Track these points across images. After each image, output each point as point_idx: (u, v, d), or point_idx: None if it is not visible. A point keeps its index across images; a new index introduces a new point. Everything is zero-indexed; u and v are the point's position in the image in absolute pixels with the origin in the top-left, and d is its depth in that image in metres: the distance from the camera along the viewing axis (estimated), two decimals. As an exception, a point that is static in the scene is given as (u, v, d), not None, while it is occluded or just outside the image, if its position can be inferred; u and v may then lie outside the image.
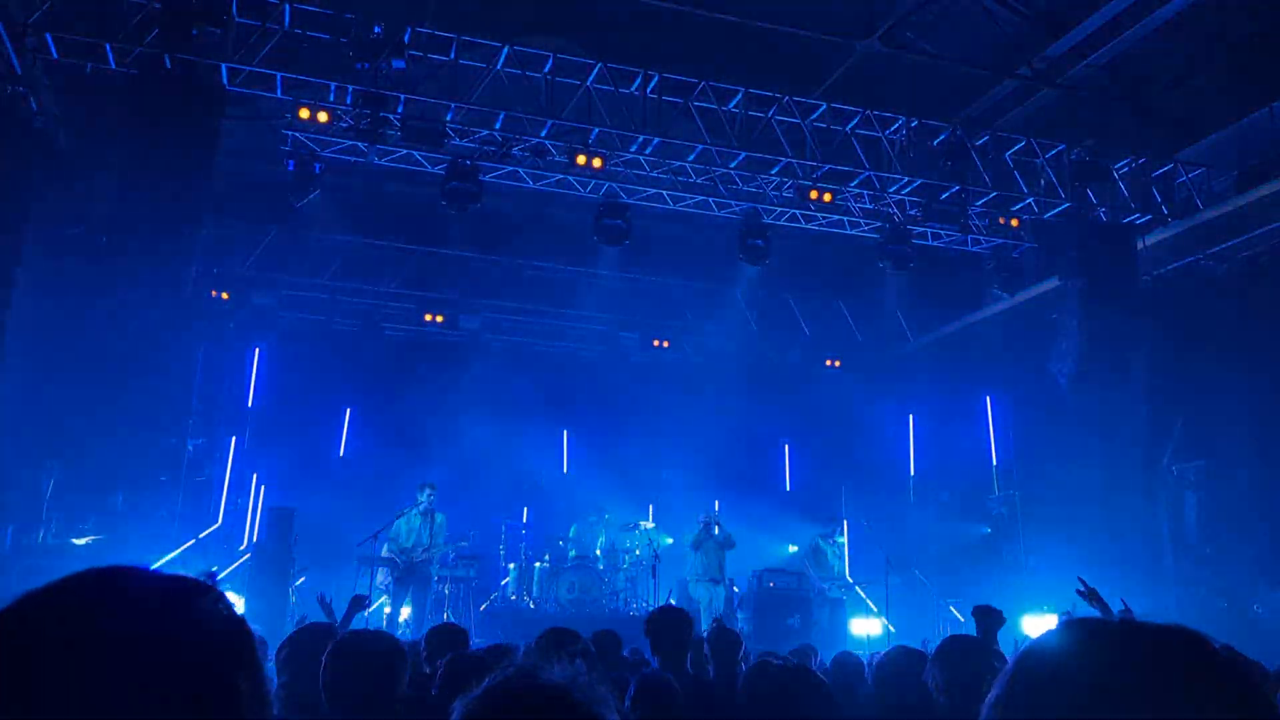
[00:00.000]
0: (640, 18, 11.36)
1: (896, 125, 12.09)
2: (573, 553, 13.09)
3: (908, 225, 12.75)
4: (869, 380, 16.84)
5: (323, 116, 10.54)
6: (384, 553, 11.32)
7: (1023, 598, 12.74)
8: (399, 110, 10.73)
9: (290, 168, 11.21)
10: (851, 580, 13.33)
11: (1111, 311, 12.01)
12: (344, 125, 10.80)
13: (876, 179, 12.30)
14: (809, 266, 15.48)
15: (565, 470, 15.17)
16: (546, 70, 10.78)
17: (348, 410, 15.47)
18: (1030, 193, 12.61)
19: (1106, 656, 0.90)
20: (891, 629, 11.93)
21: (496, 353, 16.02)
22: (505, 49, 10.57)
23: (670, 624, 4.62)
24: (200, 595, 0.94)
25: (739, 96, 11.45)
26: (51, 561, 8.86)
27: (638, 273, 15.73)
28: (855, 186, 12.35)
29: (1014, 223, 12.96)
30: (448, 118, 10.89)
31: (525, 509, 13.75)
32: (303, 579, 11.82)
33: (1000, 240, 13.26)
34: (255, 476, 13.93)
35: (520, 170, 11.91)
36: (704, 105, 11.43)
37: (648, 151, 11.66)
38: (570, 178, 12.11)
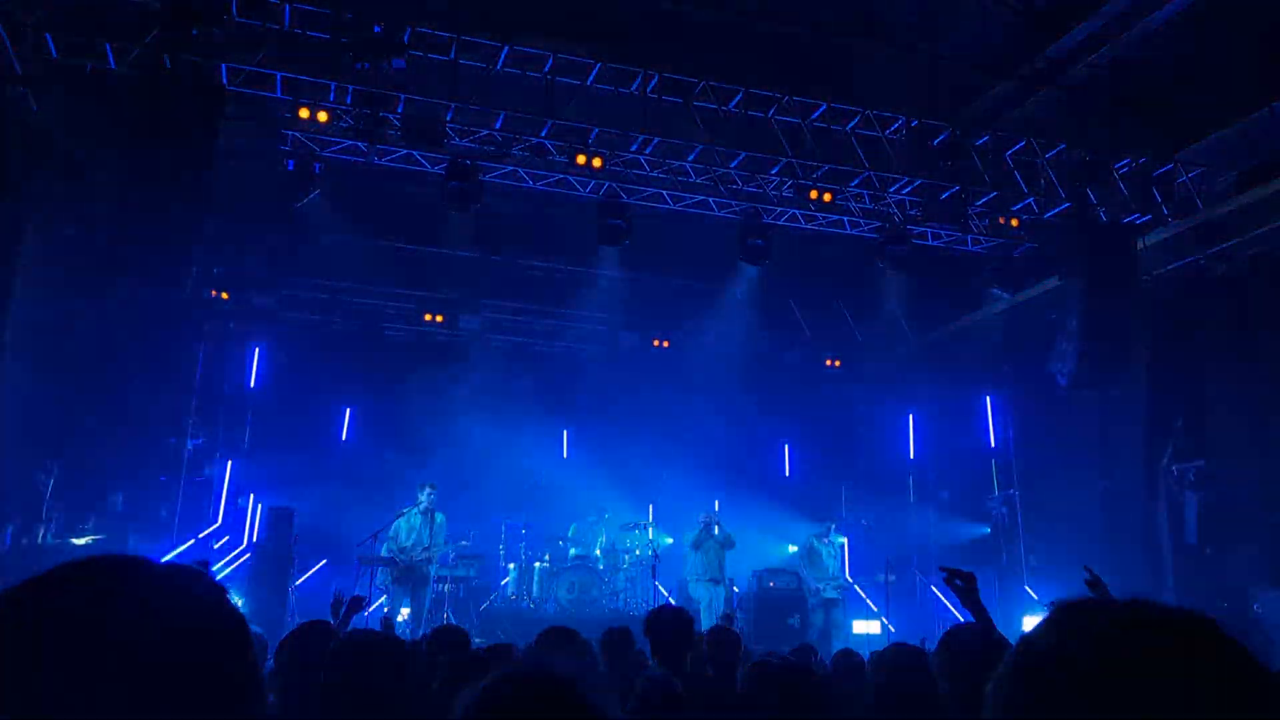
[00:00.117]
0: (640, 18, 11.36)
1: (896, 125, 12.09)
2: (573, 552, 13.09)
3: (908, 225, 12.75)
4: (869, 380, 16.85)
5: (323, 116, 10.54)
6: (383, 552, 11.32)
7: (1023, 597, 12.74)
8: (399, 110, 10.73)
9: (290, 168, 11.21)
10: (850, 580, 13.33)
11: (1111, 311, 12.00)
12: (344, 125, 10.80)
13: (876, 179, 12.29)
14: (809, 266, 15.48)
15: (565, 470, 15.16)
16: (546, 70, 10.78)
17: (348, 410, 15.46)
18: (1030, 193, 12.60)
19: (1109, 636, 0.90)
20: (891, 629, 11.92)
21: (496, 353, 16.02)
22: (505, 49, 10.57)
23: (670, 624, 4.62)
24: (193, 582, 0.95)
25: (739, 96, 11.45)
26: (51, 561, 8.84)
27: (638, 273, 15.72)
28: (855, 186, 12.34)
29: (1014, 223, 12.96)
30: (448, 118, 10.89)
31: (525, 509, 13.74)
32: (302, 579, 11.83)
33: (1000, 240, 13.25)
34: (255, 477, 13.92)
35: (520, 170, 11.91)
36: (704, 105, 11.43)
37: (648, 151, 11.66)
38: (570, 178, 12.11)
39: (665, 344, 17.04)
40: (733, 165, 12.00)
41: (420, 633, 10.03)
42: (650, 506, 14.96)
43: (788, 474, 17.09)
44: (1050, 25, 11.78)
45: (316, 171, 11.26)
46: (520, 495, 14.14)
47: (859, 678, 5.07)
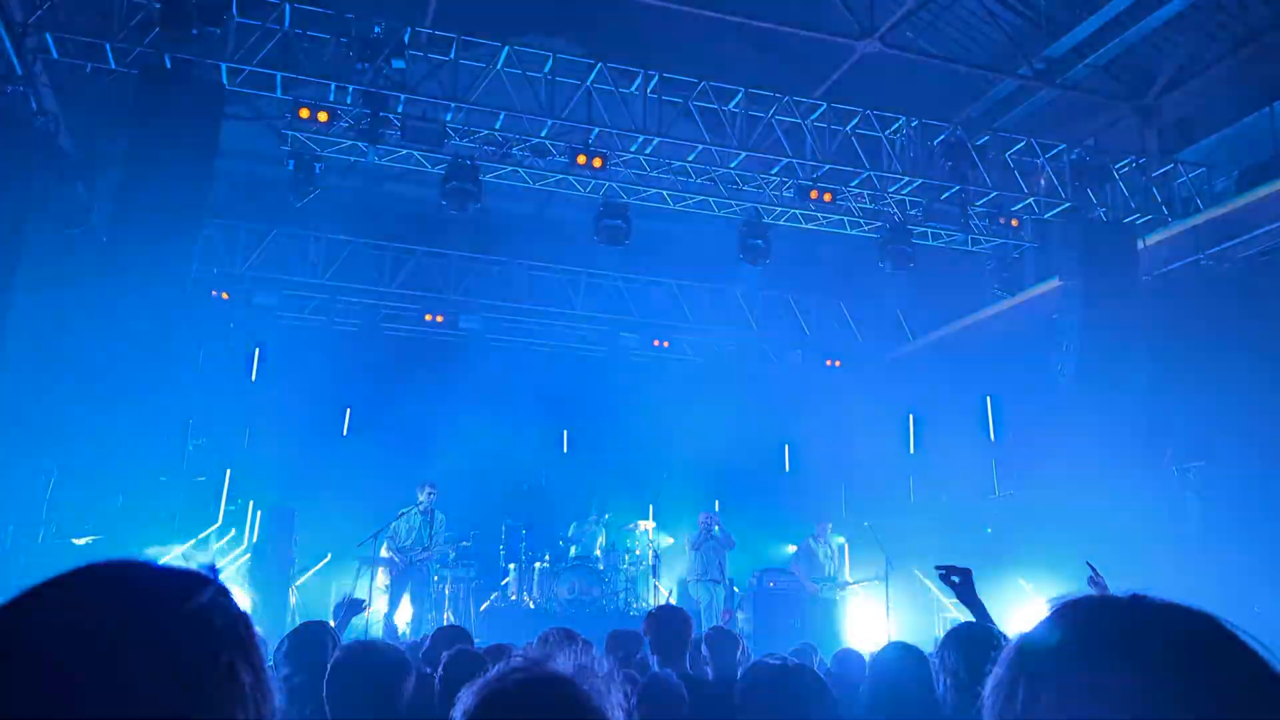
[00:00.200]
0: (640, 18, 11.37)
1: (896, 125, 12.09)
2: (573, 553, 13.09)
3: (908, 225, 12.74)
4: (869, 380, 16.84)
5: (323, 116, 10.54)
6: (383, 552, 11.32)
7: (1023, 597, 12.74)
8: (399, 110, 10.73)
9: (290, 168, 11.21)
10: (850, 580, 13.31)
11: (1111, 311, 12.00)
12: (344, 125, 10.80)
13: (876, 179, 12.30)
14: (809, 266, 15.49)
15: (565, 470, 15.16)
16: (546, 70, 10.78)
17: (348, 410, 15.46)
18: (1030, 193, 12.61)
19: (1108, 631, 0.90)
20: (891, 629, 11.91)
21: (496, 353, 16.01)
22: (505, 49, 10.57)
23: (671, 623, 4.61)
24: (202, 588, 0.94)
25: (739, 96, 11.45)
26: (51, 561, 8.82)
27: (638, 273, 15.73)
28: (855, 186, 12.35)
29: (1014, 223, 12.96)
30: (448, 118, 10.89)
31: (525, 509, 13.73)
32: (303, 579, 11.83)
33: (1000, 240, 13.25)
34: (255, 477, 13.91)
35: (520, 170, 11.91)
36: (704, 105, 11.43)
37: (648, 151, 11.66)
38: (570, 178, 12.11)
39: (665, 344, 17.03)
40: (733, 165, 12.00)
41: (421, 632, 10.03)
42: (650, 506, 14.94)
43: (787, 474, 17.07)
44: (1050, 25, 11.78)
45: (316, 171, 11.26)
46: (520, 495, 14.14)
47: (859, 678, 5.06)
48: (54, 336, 9.51)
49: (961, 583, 4.04)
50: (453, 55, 10.51)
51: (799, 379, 17.17)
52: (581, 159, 11.24)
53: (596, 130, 11.25)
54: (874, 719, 3.61)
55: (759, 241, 12.62)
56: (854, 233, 13.37)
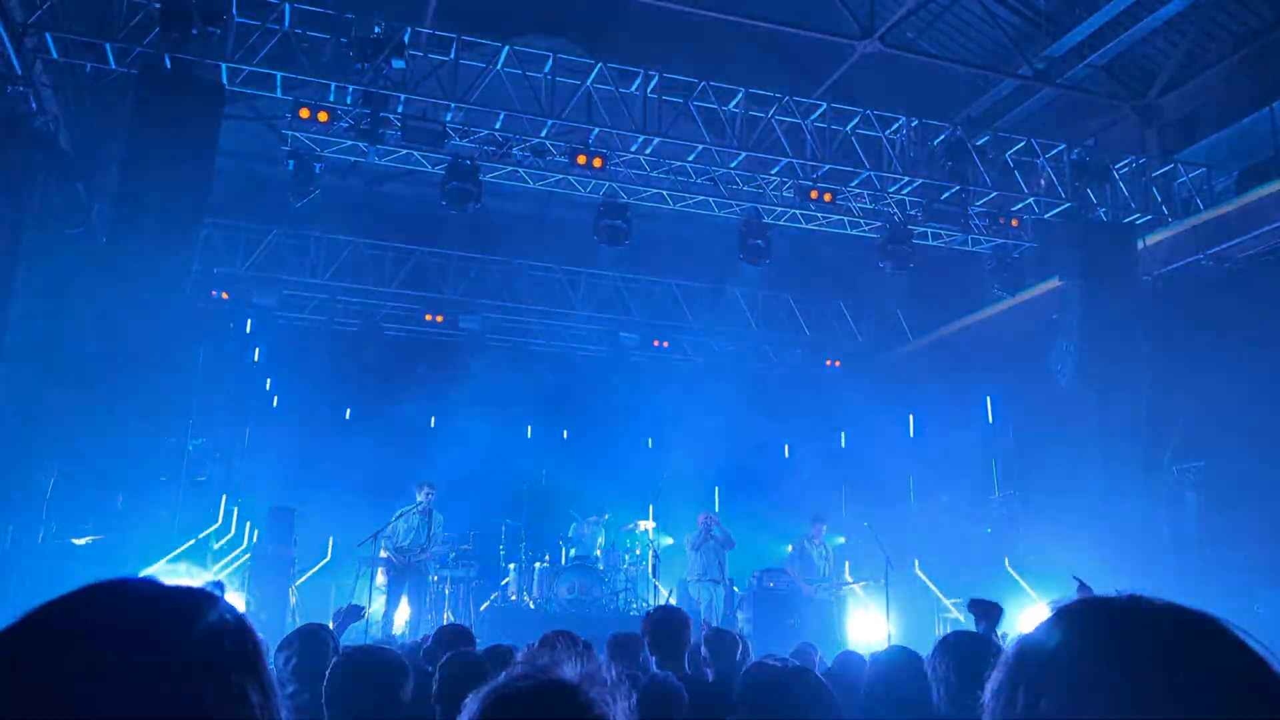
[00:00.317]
0: (640, 18, 11.37)
1: (896, 125, 12.09)
2: (573, 553, 13.09)
3: (908, 225, 12.74)
4: (869, 380, 16.84)
5: (323, 116, 10.53)
6: (382, 552, 11.32)
7: (1023, 597, 12.74)
8: (399, 110, 10.73)
9: (290, 168, 11.21)
10: (850, 581, 13.30)
11: (1111, 311, 12.00)
12: (344, 125, 10.79)
13: (877, 179, 12.30)
14: (809, 266, 15.49)
15: (565, 471, 15.16)
16: (546, 70, 10.78)
17: (348, 410, 15.46)
18: (1030, 193, 12.61)
19: (1109, 634, 0.90)
20: (891, 629, 11.91)
21: (496, 353, 16.01)
22: (505, 49, 10.57)
23: (669, 624, 4.61)
24: (210, 608, 0.94)
25: (739, 96, 11.44)
26: (51, 561, 8.86)
27: (638, 273, 15.73)
28: (855, 186, 12.34)
29: (1014, 223, 12.96)
30: (448, 118, 10.89)
31: (525, 509, 13.73)
32: (303, 579, 11.83)
33: (1000, 240, 13.25)
34: (255, 476, 13.92)
35: (520, 170, 11.91)
36: (704, 105, 11.43)
37: (648, 151, 11.66)
38: (570, 178, 12.11)
39: (665, 344, 17.03)
40: (733, 165, 12.00)
41: (420, 632, 10.03)
42: (650, 506, 14.94)
43: (787, 474, 17.07)
44: (1050, 25, 11.78)
45: (316, 171, 11.26)
46: (520, 495, 14.14)
47: (859, 679, 5.06)
48: (54, 336, 9.50)
49: (988, 619, 4.20)
50: (453, 55, 10.51)
51: (799, 379, 17.17)
52: (581, 159, 11.24)
53: (596, 130, 11.25)
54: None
55: (759, 241, 12.62)
56: (854, 233, 13.37)
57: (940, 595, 13.56)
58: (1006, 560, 13.87)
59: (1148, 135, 13.22)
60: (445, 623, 11.04)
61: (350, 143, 11.10)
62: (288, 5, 9.85)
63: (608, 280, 15.70)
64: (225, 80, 9.97)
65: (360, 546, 11.18)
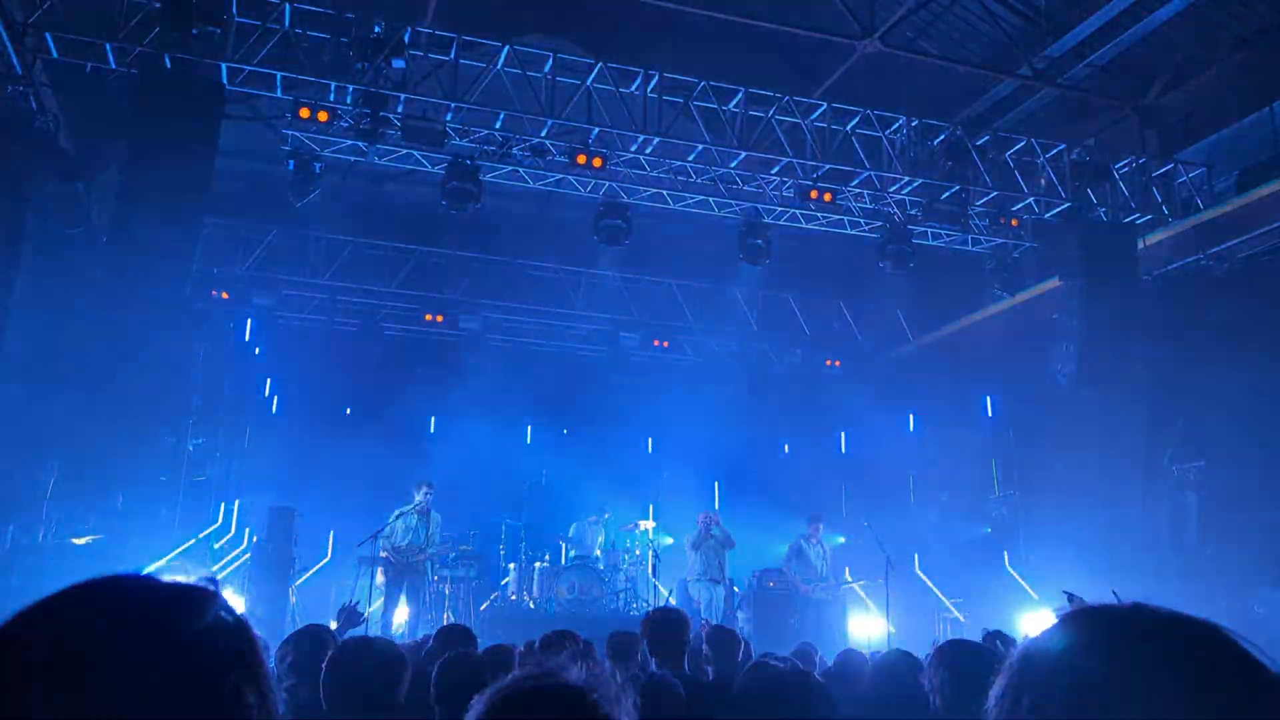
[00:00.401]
0: (640, 18, 11.36)
1: (896, 125, 12.09)
2: (573, 553, 13.09)
3: (908, 225, 12.74)
4: (869, 380, 16.84)
5: (323, 116, 10.53)
6: (380, 552, 11.32)
7: (1023, 597, 12.74)
8: (399, 110, 10.73)
9: (290, 168, 11.21)
10: (850, 580, 13.30)
11: (1111, 311, 12.00)
12: (344, 125, 10.79)
13: (876, 179, 12.29)
14: (809, 266, 15.48)
15: (565, 470, 15.17)
16: (546, 70, 10.78)
17: (348, 410, 15.46)
18: (1030, 193, 12.60)
19: (1113, 642, 0.90)
20: (892, 629, 11.91)
21: (496, 353, 16.01)
22: (505, 49, 10.56)
23: (668, 624, 4.61)
24: (204, 605, 0.94)
25: (739, 96, 11.44)
26: (51, 561, 8.86)
27: (638, 273, 15.73)
28: (855, 186, 12.34)
29: (1014, 223, 12.96)
30: (448, 118, 10.89)
31: (525, 509, 13.74)
32: (303, 579, 11.83)
33: (1000, 240, 13.25)
34: (255, 476, 13.93)
35: (520, 170, 11.90)
36: (704, 105, 11.43)
37: (648, 151, 11.66)
38: (570, 178, 12.11)
39: (665, 344, 17.04)
40: (733, 165, 12.00)
41: (419, 633, 10.03)
42: (650, 506, 14.95)
43: (787, 474, 17.09)
44: (1050, 25, 11.78)
45: (316, 171, 11.26)
46: (520, 495, 14.14)
47: (860, 679, 5.06)
48: (54, 336, 9.51)
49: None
50: (453, 55, 10.50)
51: (799, 379, 17.17)
52: (581, 159, 11.23)
53: (596, 130, 11.25)
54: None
55: (759, 241, 12.62)
56: (854, 233, 13.37)
57: (940, 595, 13.56)
58: (1006, 560, 13.87)
59: (1148, 135, 13.22)
60: (446, 623, 11.05)
61: (350, 143, 11.10)
62: (288, 5, 9.85)
63: (608, 280, 15.70)
64: (225, 80, 9.97)
65: (360, 546, 11.19)
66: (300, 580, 12.27)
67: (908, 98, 12.12)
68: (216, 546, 12.65)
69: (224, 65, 9.83)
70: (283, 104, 10.63)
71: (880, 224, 12.90)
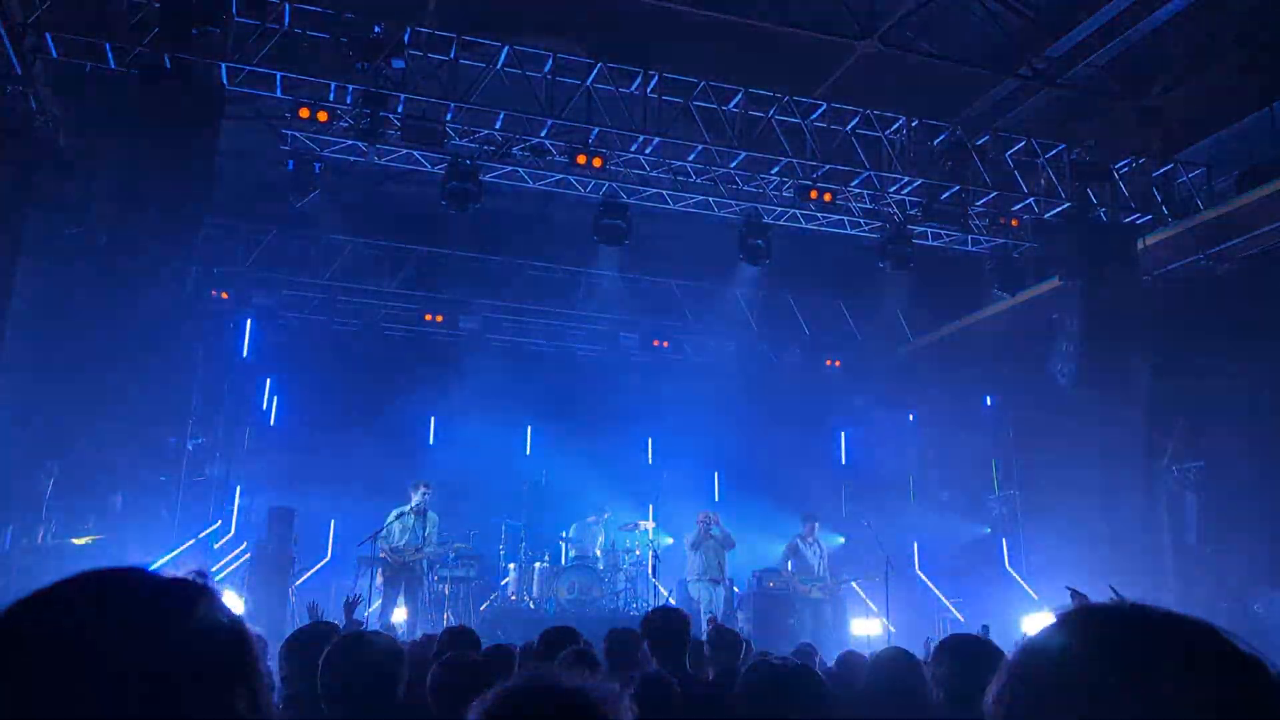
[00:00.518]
0: (640, 18, 11.36)
1: (896, 125, 12.09)
2: (573, 553, 13.09)
3: (908, 225, 12.74)
4: (869, 380, 16.85)
5: (322, 116, 10.54)
6: (378, 552, 11.33)
7: (1023, 597, 12.75)
8: (399, 110, 10.73)
9: (290, 168, 11.21)
10: (850, 580, 13.30)
11: (1111, 311, 12.00)
12: (344, 125, 10.80)
13: (876, 179, 12.29)
14: (809, 266, 15.47)
15: (565, 470, 15.17)
16: (546, 70, 10.78)
17: (347, 410, 15.46)
18: (1030, 193, 12.60)
19: (1110, 639, 0.90)
20: (891, 629, 11.91)
21: (496, 353, 16.01)
22: (505, 49, 10.57)
23: (669, 624, 4.61)
24: (198, 600, 0.93)
25: (739, 96, 11.44)
26: (51, 561, 8.86)
27: (638, 273, 15.72)
28: (855, 186, 12.34)
29: (1014, 223, 12.96)
30: (448, 118, 10.89)
31: (525, 509, 13.74)
32: (303, 579, 11.83)
33: (1000, 240, 13.25)
34: (255, 476, 13.93)
35: (520, 170, 11.91)
36: (704, 105, 11.43)
37: (648, 151, 11.66)
38: (570, 178, 12.11)
39: (665, 344, 17.03)
40: (733, 165, 12.00)
41: (419, 633, 10.03)
42: (650, 506, 14.95)
43: (787, 474, 17.09)
44: (1050, 25, 11.77)
45: (316, 171, 11.26)
46: (520, 495, 14.15)
47: (860, 680, 5.06)
48: (54, 336, 9.51)
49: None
50: (453, 55, 10.50)
51: (799, 379, 17.17)
52: (581, 159, 11.24)
53: (596, 130, 11.25)
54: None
55: (759, 241, 12.62)
56: (854, 233, 13.37)
57: (940, 595, 13.57)
58: (1006, 560, 13.88)
59: (1148, 135, 13.21)
60: (446, 623, 11.05)
61: (350, 143, 11.10)
62: (288, 5, 9.85)
63: (608, 280, 15.69)
64: (225, 80, 9.97)
65: (360, 546, 11.18)
66: (300, 580, 12.27)
67: (908, 98, 12.11)
68: (216, 546, 12.66)
69: (224, 65, 9.84)
70: (283, 104, 10.63)
71: (880, 224, 12.90)
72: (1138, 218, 12.61)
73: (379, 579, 11.24)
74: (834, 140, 11.87)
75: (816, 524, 13.20)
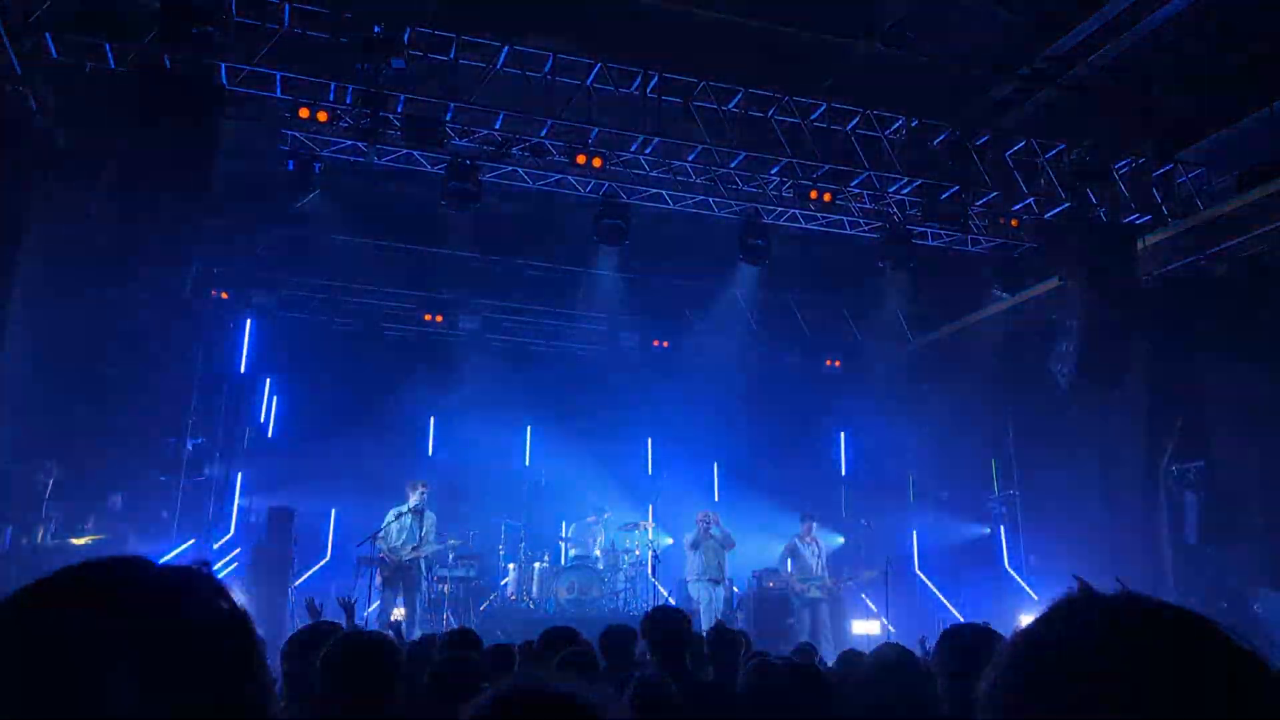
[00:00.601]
0: (640, 18, 11.35)
1: (896, 125, 12.09)
2: (572, 553, 13.09)
3: (908, 225, 12.74)
4: (869, 380, 16.84)
5: (322, 116, 10.54)
6: (376, 552, 11.33)
7: (1022, 597, 12.75)
8: (399, 110, 10.73)
9: (290, 168, 11.21)
10: (849, 580, 13.30)
11: (1111, 311, 12.00)
12: (344, 125, 10.79)
13: (876, 179, 12.29)
14: (809, 266, 15.48)
15: (564, 470, 15.18)
16: (546, 70, 10.78)
17: (347, 410, 15.45)
18: (1030, 193, 12.60)
19: (1101, 625, 0.90)
20: (891, 629, 11.92)
21: (496, 353, 16.01)
22: (505, 49, 10.56)
23: (667, 624, 4.61)
24: (203, 589, 0.94)
25: (739, 96, 11.44)
26: (51, 561, 8.84)
27: (638, 273, 15.72)
28: (855, 186, 12.34)
29: (1014, 223, 12.96)
30: (448, 118, 10.89)
31: (525, 509, 13.74)
32: (302, 579, 11.83)
33: (1000, 240, 13.25)
34: (255, 476, 13.93)
35: (520, 170, 11.90)
36: (704, 105, 11.42)
37: (648, 151, 11.65)
38: (570, 178, 12.11)
39: (665, 344, 17.03)
40: (733, 165, 12.00)
41: (418, 633, 10.03)
42: (650, 506, 14.96)
43: (787, 474, 17.09)
44: (1050, 25, 11.77)
45: (316, 171, 11.26)
46: (520, 495, 14.15)
47: (859, 678, 5.06)
48: (53, 336, 9.51)
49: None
50: (453, 55, 10.50)
51: (799, 379, 17.17)
52: (581, 159, 11.24)
53: (596, 130, 11.25)
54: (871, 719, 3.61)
55: (759, 241, 12.62)
56: (854, 233, 13.37)
57: (939, 595, 13.57)
58: (1006, 560, 13.88)
59: (1148, 135, 13.20)
60: (446, 623, 11.06)
61: (350, 143, 11.10)
62: (287, 5, 9.84)
63: (607, 280, 15.70)
64: (225, 80, 9.97)
65: (359, 547, 11.18)
66: (300, 580, 12.27)
67: (908, 98, 12.11)
68: (216, 546, 12.65)
69: (223, 65, 9.83)
70: (282, 104, 10.63)
71: (880, 224, 12.90)
72: (1138, 218, 12.61)
73: (378, 579, 11.24)
74: (834, 140, 11.87)
75: (815, 524, 13.20)
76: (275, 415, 15.16)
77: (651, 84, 11.05)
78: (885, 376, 16.73)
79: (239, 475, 13.87)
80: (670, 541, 13.86)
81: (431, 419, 15.67)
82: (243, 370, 14.61)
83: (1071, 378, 12.10)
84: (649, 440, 16.56)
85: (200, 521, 12.64)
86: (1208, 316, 11.86)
